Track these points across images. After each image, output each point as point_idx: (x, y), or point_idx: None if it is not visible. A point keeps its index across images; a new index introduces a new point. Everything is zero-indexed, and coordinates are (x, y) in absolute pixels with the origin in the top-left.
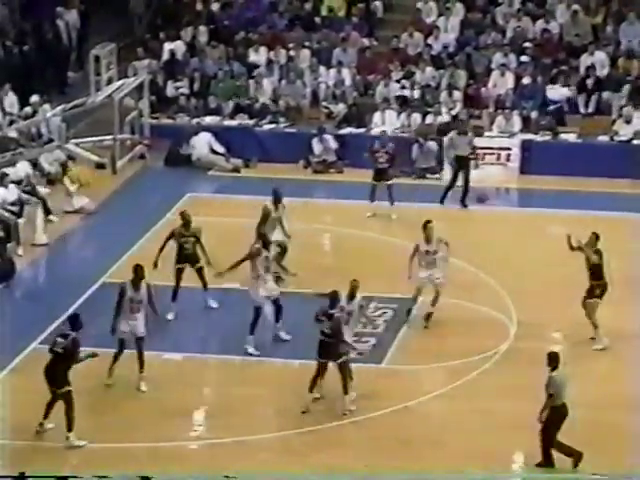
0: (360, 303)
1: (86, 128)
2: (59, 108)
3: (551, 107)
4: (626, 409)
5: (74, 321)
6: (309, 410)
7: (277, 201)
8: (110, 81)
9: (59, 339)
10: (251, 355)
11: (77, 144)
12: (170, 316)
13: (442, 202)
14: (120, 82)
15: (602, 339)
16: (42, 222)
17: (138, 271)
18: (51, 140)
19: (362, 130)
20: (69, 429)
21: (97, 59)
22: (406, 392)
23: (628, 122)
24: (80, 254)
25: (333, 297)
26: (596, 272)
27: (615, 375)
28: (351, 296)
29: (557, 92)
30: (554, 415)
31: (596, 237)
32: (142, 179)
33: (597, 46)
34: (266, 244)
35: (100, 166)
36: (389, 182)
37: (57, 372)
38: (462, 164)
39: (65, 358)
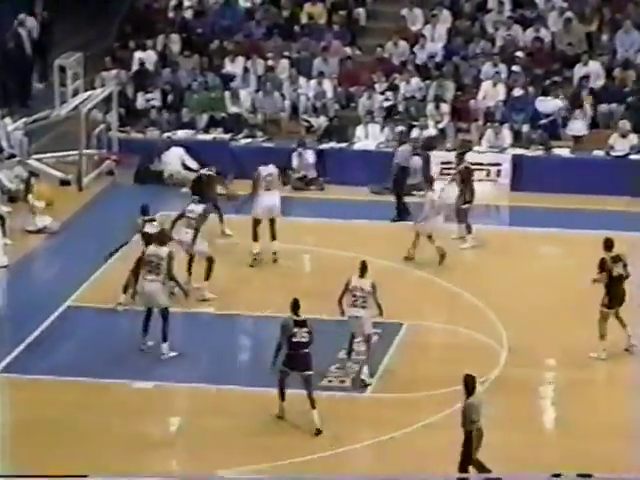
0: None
1: (50, 142)
2: (21, 121)
3: (543, 120)
4: (618, 439)
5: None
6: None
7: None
8: (76, 93)
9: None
10: None
11: (40, 159)
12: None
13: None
14: (87, 94)
15: (601, 351)
16: (1, 242)
17: None
18: (12, 155)
19: (344, 145)
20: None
21: (62, 69)
22: (392, 422)
23: (624, 136)
24: (43, 276)
25: (294, 305)
26: (610, 282)
27: (609, 403)
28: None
29: (548, 104)
30: (475, 441)
31: (608, 244)
32: (110, 197)
33: (592, 56)
34: None
35: (65, 183)
36: None
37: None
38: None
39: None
